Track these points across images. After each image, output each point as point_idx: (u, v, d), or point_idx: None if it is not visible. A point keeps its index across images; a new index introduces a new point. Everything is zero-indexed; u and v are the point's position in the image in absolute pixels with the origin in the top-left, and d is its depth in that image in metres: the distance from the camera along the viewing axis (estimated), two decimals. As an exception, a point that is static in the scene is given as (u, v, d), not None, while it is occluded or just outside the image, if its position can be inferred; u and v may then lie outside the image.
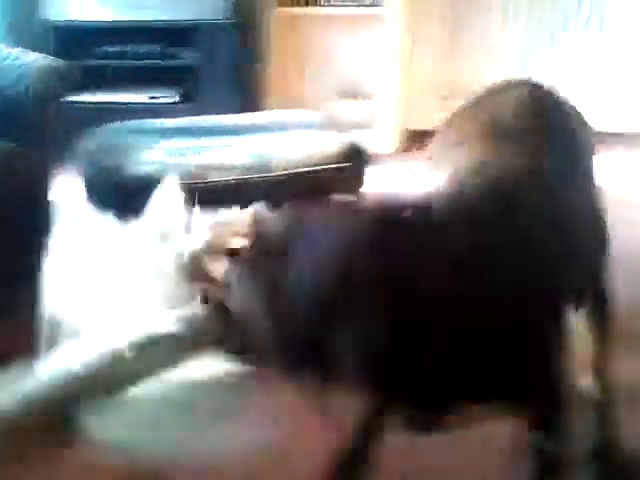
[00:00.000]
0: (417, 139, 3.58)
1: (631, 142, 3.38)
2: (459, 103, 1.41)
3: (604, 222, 1.36)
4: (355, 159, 1.82)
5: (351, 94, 3.79)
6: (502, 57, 3.59)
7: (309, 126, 2.05)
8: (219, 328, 1.09)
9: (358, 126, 3.61)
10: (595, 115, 1.64)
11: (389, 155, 3.52)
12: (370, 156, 1.96)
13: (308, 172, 1.71)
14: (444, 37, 3.68)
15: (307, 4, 3.68)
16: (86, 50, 3.26)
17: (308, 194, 1.73)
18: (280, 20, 3.62)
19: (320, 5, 3.67)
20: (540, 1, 3.60)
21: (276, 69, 3.63)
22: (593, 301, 1.42)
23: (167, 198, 1.66)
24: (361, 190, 1.90)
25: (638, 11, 3.51)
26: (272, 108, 3.20)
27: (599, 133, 1.51)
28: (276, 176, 1.77)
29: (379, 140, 3.54)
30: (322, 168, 1.71)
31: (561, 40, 3.60)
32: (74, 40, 3.23)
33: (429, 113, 3.79)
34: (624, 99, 3.59)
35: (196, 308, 1.37)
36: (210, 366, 1.49)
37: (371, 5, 3.58)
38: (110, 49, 3.34)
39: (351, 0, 3.62)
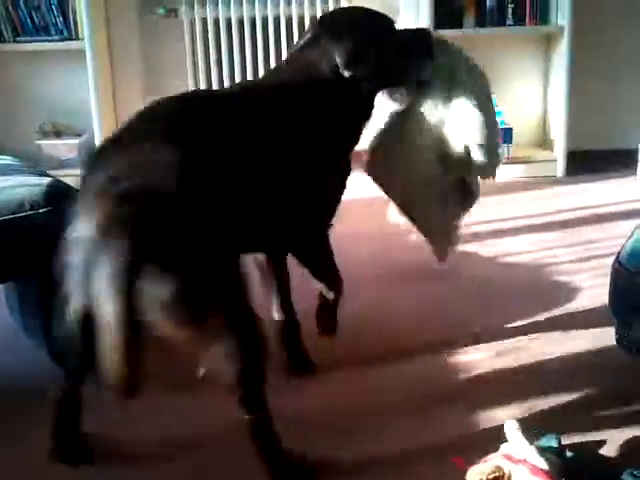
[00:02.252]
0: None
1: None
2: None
3: None
4: (58, 201, 1.68)
5: (55, 133, 3.58)
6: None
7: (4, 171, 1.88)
8: None
9: (68, 165, 3.44)
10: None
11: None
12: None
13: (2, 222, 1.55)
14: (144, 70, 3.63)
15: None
16: None
17: (12, 245, 1.58)
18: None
19: (4, 42, 3.40)
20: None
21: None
22: None
23: None
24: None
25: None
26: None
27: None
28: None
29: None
30: (17, 216, 1.56)
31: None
32: None
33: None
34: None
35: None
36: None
37: (63, 40, 3.40)
38: None
39: (44, 34, 3.41)
